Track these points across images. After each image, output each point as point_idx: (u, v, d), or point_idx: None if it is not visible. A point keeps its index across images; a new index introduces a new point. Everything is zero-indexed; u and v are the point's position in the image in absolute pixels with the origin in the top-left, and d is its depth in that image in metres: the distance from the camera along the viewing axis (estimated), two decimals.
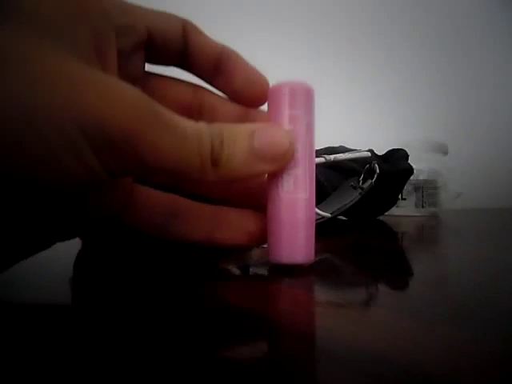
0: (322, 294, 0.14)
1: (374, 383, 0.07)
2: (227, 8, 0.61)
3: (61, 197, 0.12)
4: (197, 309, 0.12)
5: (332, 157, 0.29)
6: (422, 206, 0.49)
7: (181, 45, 0.17)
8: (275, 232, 0.16)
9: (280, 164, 0.15)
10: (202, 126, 0.13)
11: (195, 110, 0.18)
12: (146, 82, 0.17)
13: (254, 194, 0.18)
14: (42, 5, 0.12)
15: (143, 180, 0.17)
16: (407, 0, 0.75)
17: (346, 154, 0.31)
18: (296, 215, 0.16)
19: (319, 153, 0.36)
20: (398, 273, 0.17)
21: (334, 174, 0.35)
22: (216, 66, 0.17)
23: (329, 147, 0.39)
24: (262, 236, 0.17)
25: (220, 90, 0.18)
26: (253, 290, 0.14)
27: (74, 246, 0.24)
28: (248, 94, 0.18)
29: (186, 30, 0.17)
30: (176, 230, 0.17)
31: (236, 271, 0.18)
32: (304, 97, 0.16)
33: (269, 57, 0.63)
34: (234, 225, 0.17)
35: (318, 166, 0.32)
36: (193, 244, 0.17)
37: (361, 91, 0.72)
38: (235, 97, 0.18)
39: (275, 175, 0.16)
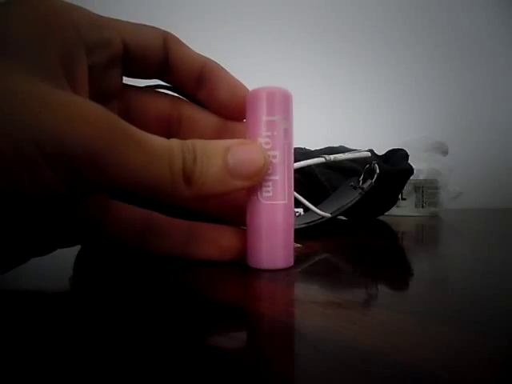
0: (321, 293, 0.14)
1: (373, 382, 0.07)
2: (212, 12, 0.61)
3: (28, 209, 0.12)
4: (199, 306, 0.12)
5: (332, 157, 0.29)
6: (422, 206, 0.49)
7: (161, 57, 0.17)
8: (254, 238, 0.16)
9: (254, 181, 0.15)
10: (173, 142, 0.13)
11: (174, 121, 0.18)
12: (124, 95, 0.17)
13: (233, 205, 0.18)
14: (8, 24, 0.12)
15: (118, 195, 0.17)
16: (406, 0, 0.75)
17: (346, 154, 0.31)
18: (275, 221, 0.16)
19: (319, 153, 0.36)
20: (397, 273, 0.17)
21: (334, 174, 0.35)
22: (198, 78, 0.17)
23: (329, 147, 0.39)
24: (237, 251, 0.17)
25: (203, 103, 0.18)
26: (249, 289, 0.14)
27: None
28: (231, 107, 0.18)
29: (167, 42, 0.17)
30: (151, 244, 0.18)
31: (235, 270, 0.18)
32: (282, 102, 0.16)
33: (264, 59, 0.63)
34: (208, 240, 0.18)
35: (318, 166, 0.33)
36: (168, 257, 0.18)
37: (361, 91, 0.72)
38: (218, 109, 0.18)
39: None
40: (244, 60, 0.60)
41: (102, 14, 0.15)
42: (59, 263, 0.19)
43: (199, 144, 0.14)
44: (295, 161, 0.34)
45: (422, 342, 0.09)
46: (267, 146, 0.16)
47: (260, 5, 0.64)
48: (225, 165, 0.14)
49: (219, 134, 0.18)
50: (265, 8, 0.65)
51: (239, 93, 0.17)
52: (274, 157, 0.16)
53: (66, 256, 0.20)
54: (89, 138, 0.11)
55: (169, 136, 0.18)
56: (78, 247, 0.23)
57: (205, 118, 0.18)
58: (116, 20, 0.16)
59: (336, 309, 0.12)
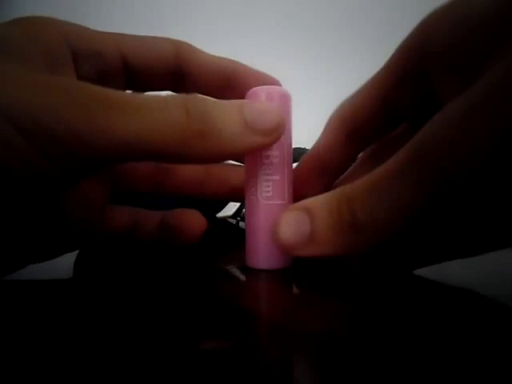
0: (319, 293, 0.14)
1: (373, 382, 0.07)
2: (208, 7, 0.61)
3: (20, 193, 0.12)
4: (200, 306, 0.12)
5: None
6: None
7: (172, 68, 0.17)
8: (253, 238, 0.16)
9: (273, 137, 0.14)
10: (170, 96, 0.12)
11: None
12: None
13: (231, 187, 0.19)
14: (2, 33, 0.13)
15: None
16: None
17: None
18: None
19: None
20: (397, 272, 0.17)
21: None
22: (223, 81, 0.17)
23: None
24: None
25: None
26: (247, 289, 0.14)
27: None
28: None
29: (180, 52, 0.16)
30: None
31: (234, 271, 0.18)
32: (280, 102, 0.16)
33: (264, 58, 0.63)
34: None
35: None
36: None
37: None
38: None
39: (253, 181, 0.16)
40: (243, 59, 0.59)
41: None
42: (59, 263, 0.19)
43: (209, 100, 0.13)
44: (295, 161, 0.34)
45: (415, 339, 0.09)
46: None
47: (260, 4, 0.64)
48: (242, 118, 0.13)
49: (205, 181, 0.19)
50: (265, 7, 0.65)
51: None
52: (274, 157, 0.16)
53: (66, 256, 0.20)
54: (60, 107, 0.11)
55: (156, 188, 0.19)
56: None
57: (190, 168, 0.19)
58: (116, 34, 0.16)
59: (335, 308, 0.12)
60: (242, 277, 0.16)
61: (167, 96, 0.12)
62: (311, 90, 0.64)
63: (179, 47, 0.17)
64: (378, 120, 0.16)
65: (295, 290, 0.15)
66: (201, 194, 0.20)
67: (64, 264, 0.19)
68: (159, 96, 0.12)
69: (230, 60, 0.18)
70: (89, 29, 0.15)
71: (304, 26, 0.67)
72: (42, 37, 0.13)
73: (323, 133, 0.18)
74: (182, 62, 0.17)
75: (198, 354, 0.09)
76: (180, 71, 0.17)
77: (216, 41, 0.58)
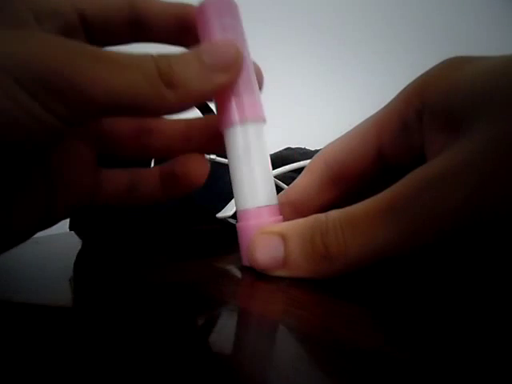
0: (317, 292, 0.14)
1: (376, 383, 0.07)
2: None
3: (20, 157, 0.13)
4: (194, 309, 0.12)
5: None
6: None
7: (128, 18, 0.17)
8: (246, 236, 0.16)
9: (234, 71, 0.15)
10: (141, 55, 0.13)
11: (145, 133, 0.18)
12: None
13: (213, 135, 0.18)
14: None
15: (107, 156, 0.18)
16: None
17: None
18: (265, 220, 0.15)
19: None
20: (397, 272, 0.17)
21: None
22: (181, 27, 0.17)
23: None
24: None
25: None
26: (245, 288, 0.15)
27: (74, 246, 0.24)
28: None
29: (133, 1, 0.17)
30: (137, 196, 0.18)
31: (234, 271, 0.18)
32: (230, 12, 0.16)
33: (263, 57, 0.63)
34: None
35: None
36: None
37: (363, 91, 0.72)
38: None
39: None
40: None
41: None
42: (59, 263, 0.19)
43: (171, 54, 0.14)
44: (295, 161, 0.33)
45: (415, 338, 0.09)
46: None
47: (260, 4, 0.64)
48: (201, 62, 0.14)
49: (188, 135, 0.18)
50: (264, 9, 0.65)
51: None
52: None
53: (66, 256, 0.20)
54: (55, 58, 0.12)
55: (142, 150, 0.19)
56: (77, 247, 0.23)
57: (170, 126, 0.19)
58: None
59: (333, 307, 0.12)
60: (241, 276, 0.16)
61: (138, 54, 0.13)
62: (313, 89, 0.64)
63: None
64: (369, 166, 0.16)
65: (293, 288, 0.15)
66: (187, 151, 0.19)
67: (64, 264, 0.19)
68: (132, 53, 0.13)
69: (181, 4, 0.18)
70: None
71: (307, 24, 0.67)
72: (11, 2, 0.14)
73: (303, 176, 0.18)
74: (136, 10, 0.17)
75: (196, 353, 0.09)
76: (135, 21, 0.17)
77: None
